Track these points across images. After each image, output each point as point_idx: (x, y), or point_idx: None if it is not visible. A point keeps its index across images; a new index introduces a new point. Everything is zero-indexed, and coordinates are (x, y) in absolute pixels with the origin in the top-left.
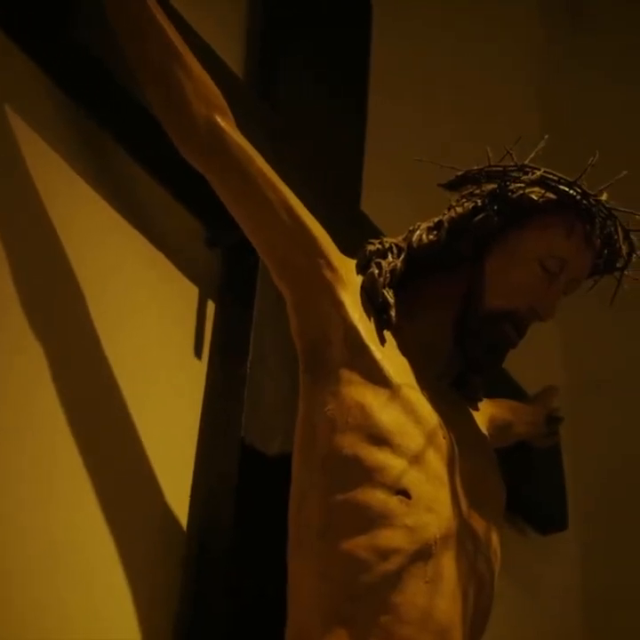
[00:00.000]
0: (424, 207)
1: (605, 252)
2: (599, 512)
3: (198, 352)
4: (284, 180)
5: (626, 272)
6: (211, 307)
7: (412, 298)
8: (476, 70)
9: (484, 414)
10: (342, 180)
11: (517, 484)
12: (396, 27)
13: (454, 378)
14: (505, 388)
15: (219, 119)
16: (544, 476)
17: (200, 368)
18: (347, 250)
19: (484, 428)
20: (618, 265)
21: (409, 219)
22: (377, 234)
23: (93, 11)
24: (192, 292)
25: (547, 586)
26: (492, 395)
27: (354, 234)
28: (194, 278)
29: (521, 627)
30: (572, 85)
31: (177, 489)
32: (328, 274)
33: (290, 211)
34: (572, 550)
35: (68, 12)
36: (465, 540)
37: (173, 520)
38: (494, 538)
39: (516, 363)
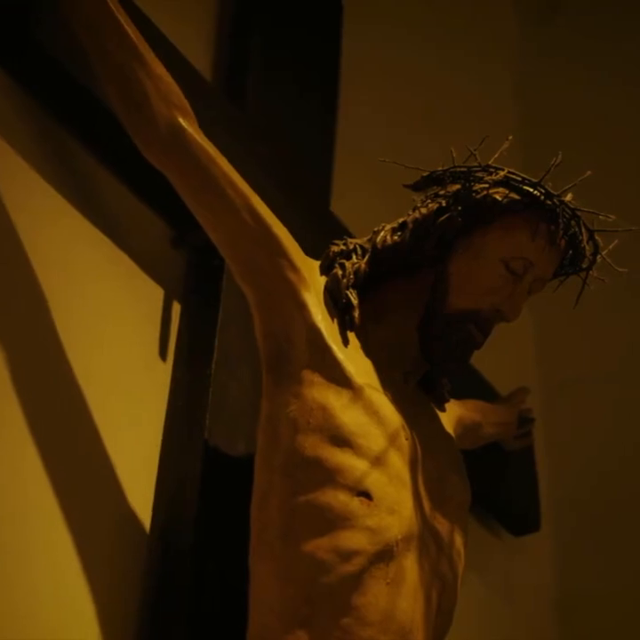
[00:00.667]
0: (395, 207)
1: (570, 252)
2: (572, 513)
3: (163, 353)
4: (253, 181)
5: (591, 272)
6: (176, 308)
7: (377, 299)
8: (447, 70)
9: (451, 415)
10: (312, 181)
11: (490, 485)
12: (367, 26)
13: (420, 379)
14: (477, 389)
15: (180, 119)
16: (517, 478)
17: (165, 369)
18: (316, 250)
19: (450, 429)
20: (583, 265)
21: (379, 219)
22: (347, 234)
23: (53, 8)
24: (157, 292)
25: (520, 587)
26: (464, 395)
27: (324, 234)
28: (159, 279)
29: (494, 627)
30: (544, 85)
31: (141, 490)
32: (291, 275)
33: (252, 211)
34: (545, 551)
35: (28, 10)
36: (428, 541)
37: (137, 521)
38: (458, 539)
39: (489, 363)
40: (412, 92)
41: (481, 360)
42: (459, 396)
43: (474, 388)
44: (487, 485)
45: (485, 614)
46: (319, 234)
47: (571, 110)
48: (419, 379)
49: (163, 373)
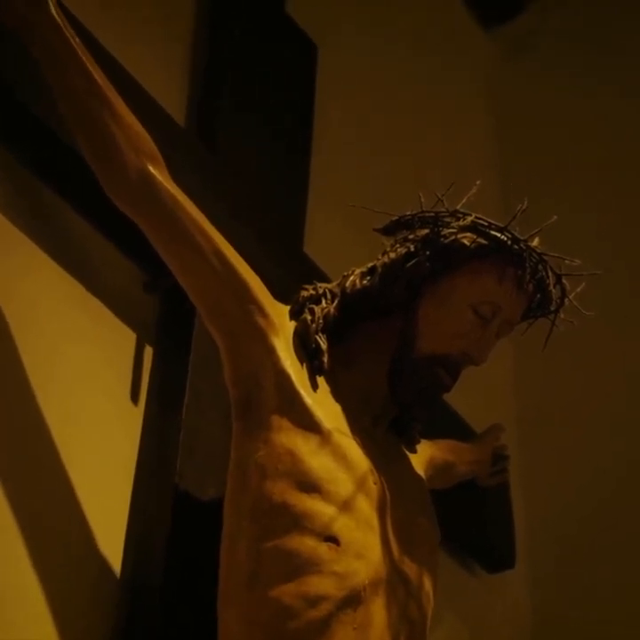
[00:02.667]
0: (368, 248)
1: (538, 296)
2: (548, 549)
3: (135, 397)
4: (225, 223)
5: (559, 314)
6: (148, 351)
7: (347, 343)
8: (422, 111)
9: (423, 456)
10: (285, 222)
11: (465, 521)
12: (340, 68)
13: (390, 422)
14: (452, 426)
15: (149, 167)
16: (492, 514)
17: (137, 413)
18: (290, 291)
19: (420, 471)
20: (551, 308)
21: (353, 259)
22: (320, 275)
23: (21, 53)
24: (130, 336)
25: (495, 623)
26: (438, 432)
27: (297, 275)
28: (131, 323)
29: None
30: (518, 123)
31: (111, 534)
32: (260, 320)
33: (221, 257)
34: (520, 587)
35: None
36: (396, 585)
37: (107, 565)
38: (427, 581)
39: (464, 400)
40: (386, 135)
41: (456, 397)
42: (433, 433)
43: (448, 425)
44: (462, 522)
45: None
46: (292, 275)
47: (543, 149)
48: (389, 422)
49: (134, 417)
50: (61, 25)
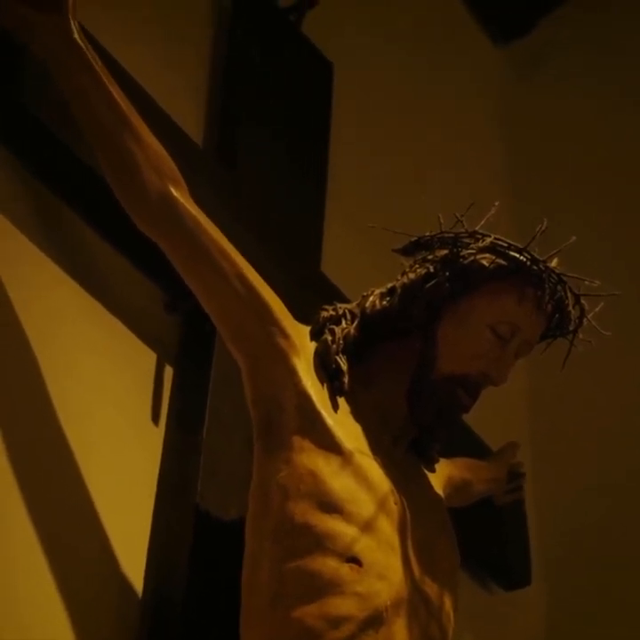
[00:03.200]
0: (385, 267)
1: (557, 316)
2: (563, 566)
3: (155, 417)
4: (243, 243)
5: (577, 334)
6: (168, 372)
7: (366, 363)
8: (438, 130)
9: (441, 475)
10: (302, 242)
11: (482, 539)
12: (356, 84)
13: (410, 442)
14: (467, 444)
15: (171, 189)
16: (508, 532)
17: (157, 433)
18: (307, 311)
19: (439, 490)
20: (570, 328)
21: (370, 279)
22: (337, 294)
23: (41, 75)
24: (150, 357)
25: None
26: (454, 450)
27: (315, 295)
28: (152, 344)
29: None
30: (532, 142)
31: (133, 555)
32: (281, 341)
33: (242, 279)
34: (536, 605)
35: (15, 76)
36: (417, 605)
37: (129, 585)
38: (447, 601)
39: (479, 417)
40: (401, 151)
41: (471, 414)
42: (449, 450)
43: (464, 442)
44: (478, 540)
45: None
46: (310, 294)
47: (558, 168)
48: (408, 441)
49: (155, 437)
50: (85, 49)
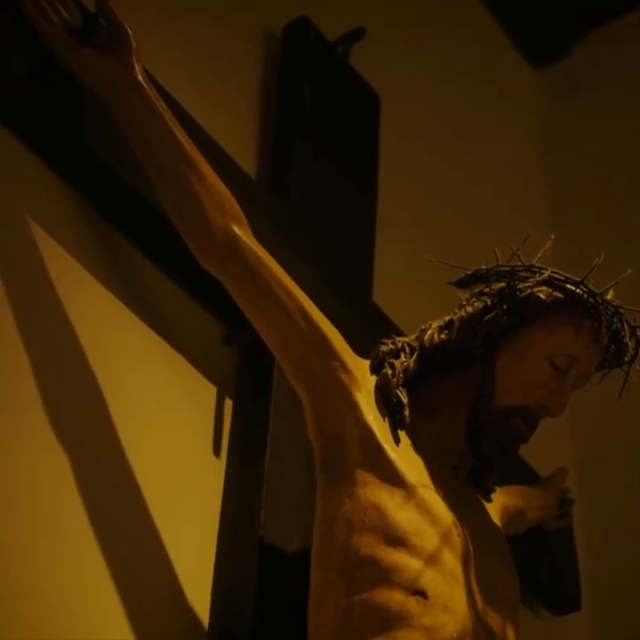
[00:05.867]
0: (436, 296)
1: (613, 347)
2: (612, 590)
3: (217, 450)
4: (296, 273)
5: (634, 365)
6: (228, 404)
7: (425, 396)
8: (481, 155)
9: (497, 505)
10: (354, 272)
11: (531, 564)
12: (402, 116)
13: (468, 473)
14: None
15: (235, 228)
16: (557, 557)
17: (219, 466)
18: (359, 340)
19: (497, 519)
20: (625, 359)
21: (421, 307)
22: (389, 324)
23: (106, 116)
24: (210, 390)
25: None
26: (501, 475)
27: (366, 324)
28: (212, 377)
29: None
30: (573, 171)
31: (198, 588)
32: (343, 376)
33: (305, 316)
34: (585, 630)
35: (81, 120)
36: (481, 636)
37: (195, 619)
38: (510, 633)
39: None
40: (447, 181)
41: None
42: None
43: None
44: (527, 565)
45: None
46: (362, 324)
47: (598, 192)
48: (466, 473)
49: (217, 469)
50: (148, 90)
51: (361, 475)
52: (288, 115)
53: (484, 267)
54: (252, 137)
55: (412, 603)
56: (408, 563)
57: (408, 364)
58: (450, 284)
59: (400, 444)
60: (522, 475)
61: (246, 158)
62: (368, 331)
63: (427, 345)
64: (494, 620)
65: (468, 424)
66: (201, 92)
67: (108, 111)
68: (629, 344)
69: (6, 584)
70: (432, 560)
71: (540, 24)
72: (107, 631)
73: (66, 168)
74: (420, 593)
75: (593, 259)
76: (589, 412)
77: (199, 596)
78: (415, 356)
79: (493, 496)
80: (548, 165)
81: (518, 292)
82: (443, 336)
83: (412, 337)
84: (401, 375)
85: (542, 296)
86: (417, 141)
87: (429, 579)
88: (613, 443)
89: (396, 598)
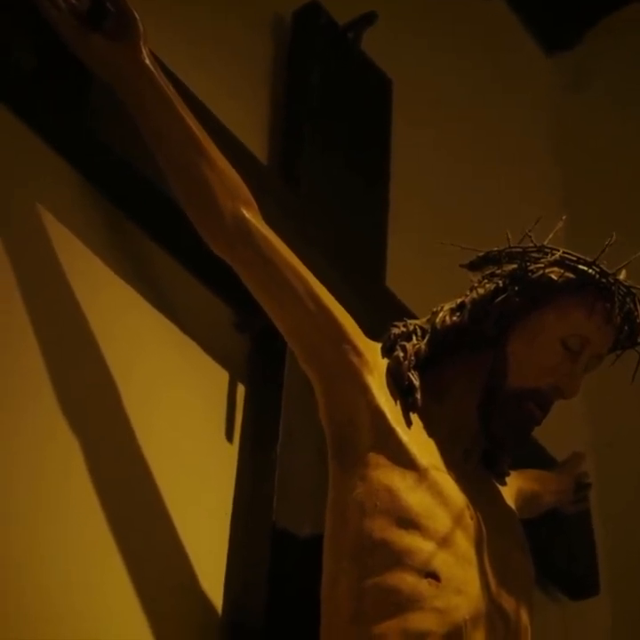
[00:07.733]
0: (448, 280)
1: (626, 328)
2: (630, 575)
3: (229, 436)
4: (308, 260)
5: None
6: (241, 390)
7: (437, 379)
8: (495, 140)
9: (512, 488)
10: (367, 258)
11: (548, 549)
12: (416, 102)
13: (481, 455)
14: (529, 452)
15: (245, 212)
16: (574, 541)
17: (232, 452)
18: (373, 326)
19: (511, 503)
20: (639, 340)
21: (434, 292)
22: (402, 309)
23: (113, 103)
24: (222, 376)
25: None
26: (517, 459)
27: (379, 310)
28: (224, 363)
29: None
30: (586, 156)
31: (211, 573)
32: (354, 359)
33: (316, 299)
34: (603, 615)
35: (88, 105)
36: (495, 619)
37: (209, 605)
38: (524, 615)
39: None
40: (460, 166)
41: None
42: (513, 459)
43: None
44: (545, 549)
45: None
46: (375, 309)
47: (610, 178)
48: (479, 455)
49: (229, 456)
50: (156, 75)
51: (373, 457)
52: (298, 101)
53: (495, 248)
54: (262, 123)
55: (424, 585)
56: (420, 545)
57: (420, 347)
58: (461, 266)
59: (412, 427)
60: (538, 459)
61: (257, 145)
62: (382, 317)
63: (438, 327)
64: (508, 602)
65: (480, 406)
66: (211, 78)
67: (116, 99)
68: None
69: (20, 567)
70: (444, 542)
71: (553, 10)
72: (119, 618)
73: (76, 156)
74: (433, 575)
75: (604, 242)
76: (605, 396)
77: (212, 583)
78: (427, 338)
79: (508, 479)
80: (559, 152)
81: (530, 274)
82: (454, 318)
83: (424, 319)
84: (412, 358)
85: (554, 277)
86: (428, 127)
87: (442, 561)
88: (630, 426)
89: (408, 581)
